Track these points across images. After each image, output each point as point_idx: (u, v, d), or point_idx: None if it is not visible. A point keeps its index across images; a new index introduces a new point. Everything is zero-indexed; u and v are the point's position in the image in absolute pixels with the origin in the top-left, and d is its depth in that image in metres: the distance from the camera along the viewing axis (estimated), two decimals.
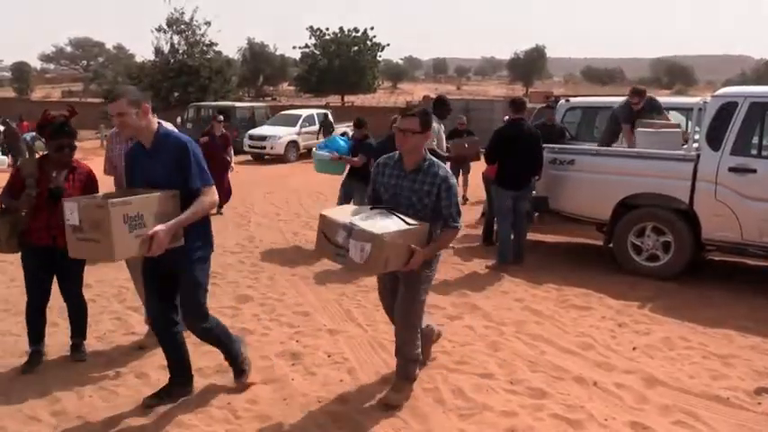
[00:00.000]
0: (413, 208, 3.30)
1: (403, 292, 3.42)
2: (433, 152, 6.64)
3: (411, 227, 3.15)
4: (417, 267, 3.25)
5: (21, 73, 59.09)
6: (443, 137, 6.89)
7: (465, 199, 10.10)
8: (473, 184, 10.18)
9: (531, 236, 7.34)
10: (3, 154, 13.87)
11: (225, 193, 9.63)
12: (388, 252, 3.05)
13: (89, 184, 3.96)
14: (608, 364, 4.00)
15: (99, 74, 43.92)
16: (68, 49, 76.99)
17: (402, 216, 3.20)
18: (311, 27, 40.04)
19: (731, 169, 5.46)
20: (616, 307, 5.11)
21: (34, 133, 18.52)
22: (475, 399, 3.51)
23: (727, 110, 5.58)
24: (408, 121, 3.27)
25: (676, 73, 67.58)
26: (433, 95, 31.67)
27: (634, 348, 4.26)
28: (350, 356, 4.14)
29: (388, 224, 3.11)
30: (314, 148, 8.37)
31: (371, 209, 3.32)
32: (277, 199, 11.23)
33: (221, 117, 10.04)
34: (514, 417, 3.32)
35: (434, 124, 6.66)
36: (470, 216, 8.85)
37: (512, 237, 6.38)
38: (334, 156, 7.29)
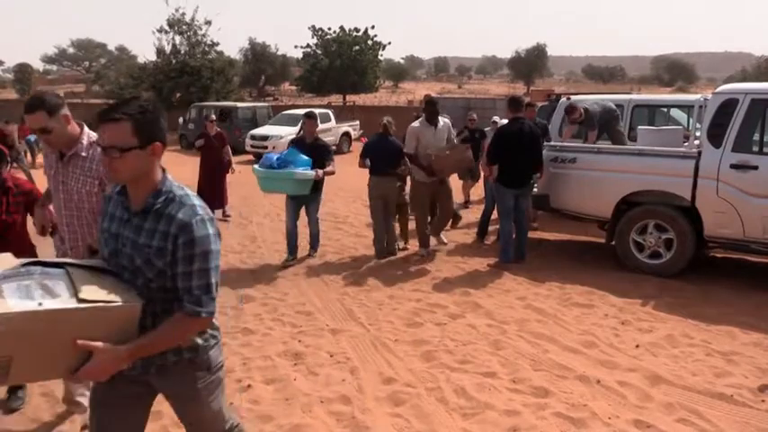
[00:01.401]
0: (141, 276, 1.90)
1: (184, 419, 2.22)
2: (410, 158, 6.41)
3: (81, 306, 1.71)
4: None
5: (23, 74, 59.10)
6: (450, 137, 6.59)
7: (467, 203, 9.98)
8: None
9: (532, 234, 7.34)
10: None
11: (221, 196, 9.23)
12: (15, 346, 1.66)
13: (30, 204, 3.52)
14: (611, 362, 3.99)
15: (101, 75, 43.95)
16: (71, 50, 77.12)
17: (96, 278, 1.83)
18: (313, 27, 39.98)
19: (733, 166, 5.44)
20: (619, 305, 5.10)
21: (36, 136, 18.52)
22: (477, 398, 3.51)
23: (728, 107, 5.56)
24: (111, 129, 1.84)
25: (677, 70, 67.41)
26: (434, 94, 31.50)
27: (637, 346, 4.25)
28: (352, 356, 4.14)
29: (31, 292, 1.70)
30: (254, 165, 6.69)
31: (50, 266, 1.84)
32: (278, 199, 11.21)
33: (213, 117, 9.93)
34: (517, 416, 3.31)
35: (446, 121, 6.58)
36: (472, 216, 8.84)
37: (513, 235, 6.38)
38: (317, 173, 6.21)
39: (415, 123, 6.47)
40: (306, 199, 6.49)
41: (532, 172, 6.34)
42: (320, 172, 6.25)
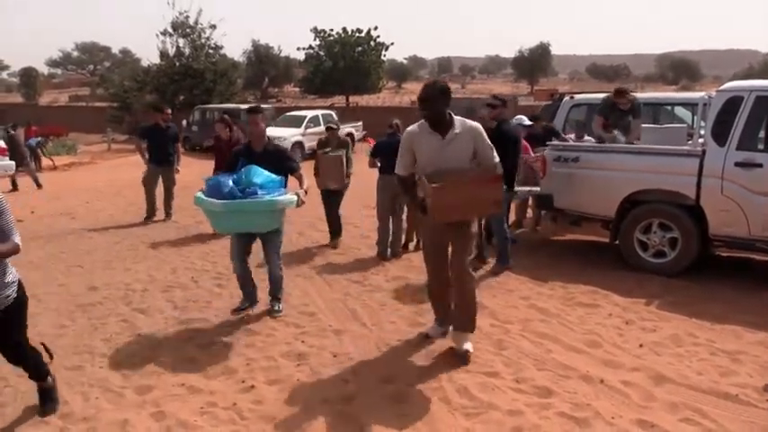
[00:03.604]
0: None
1: None
2: (401, 183, 4.12)
3: None
4: None
5: (29, 78, 59.45)
6: (485, 154, 3.98)
7: None
8: None
9: (535, 234, 7.33)
10: (11, 158, 13.95)
11: None
12: None
13: None
14: (615, 361, 3.98)
15: (106, 78, 44.12)
16: (75, 54, 77.54)
17: None
18: (315, 28, 40.09)
19: (737, 164, 5.41)
20: (623, 304, 5.08)
21: (40, 138, 18.64)
22: (481, 398, 3.50)
23: (732, 104, 5.54)
24: None
25: (682, 68, 67.14)
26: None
27: (641, 345, 4.24)
28: (355, 356, 4.13)
29: None
30: (197, 194, 4.56)
31: None
32: None
33: (225, 116, 8.45)
34: (520, 415, 3.31)
35: (473, 126, 3.94)
36: None
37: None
38: (302, 197, 4.60)
39: (413, 127, 4.00)
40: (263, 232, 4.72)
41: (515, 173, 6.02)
42: (303, 192, 4.61)
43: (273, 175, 4.57)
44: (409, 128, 4.06)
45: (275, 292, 5.07)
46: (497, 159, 4.04)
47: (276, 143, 5.18)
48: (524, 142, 7.07)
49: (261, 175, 4.50)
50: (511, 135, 5.90)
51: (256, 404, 3.51)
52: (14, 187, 13.51)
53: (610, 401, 3.46)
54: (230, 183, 4.42)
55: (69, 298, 5.55)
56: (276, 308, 5.01)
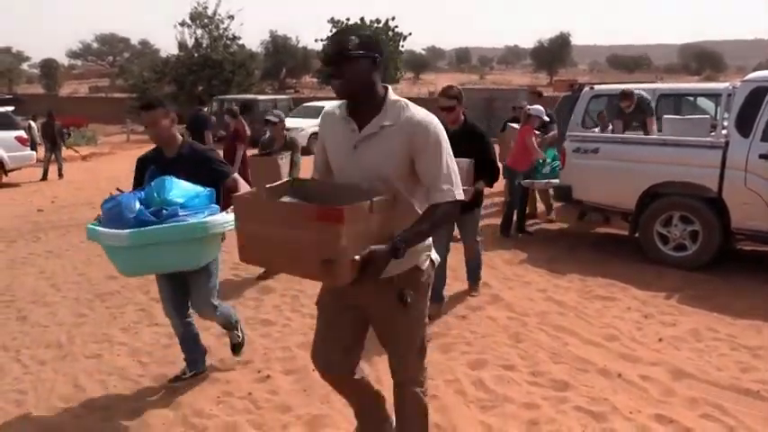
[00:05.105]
0: None
1: None
2: None
3: None
4: None
5: (49, 69, 60.21)
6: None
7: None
8: None
9: (553, 226, 7.26)
10: (32, 149, 14.19)
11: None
12: None
13: None
14: (633, 355, 3.93)
15: (125, 69, 44.57)
16: (95, 45, 78.40)
17: None
18: (332, 19, 39.99)
19: (762, 156, 5.30)
20: (642, 298, 5.01)
21: (63, 130, 18.97)
22: (496, 391, 3.48)
23: (757, 95, 5.42)
24: None
25: (705, 58, 65.96)
26: (457, 85, 31.08)
27: (660, 340, 4.18)
28: (370, 347, 4.10)
29: None
30: (89, 225, 3.26)
31: None
32: None
33: (235, 109, 8.26)
34: (537, 409, 3.28)
35: (416, 118, 2.24)
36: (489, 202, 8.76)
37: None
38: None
39: (331, 107, 2.47)
40: (190, 271, 3.41)
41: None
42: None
43: (199, 188, 3.27)
44: (326, 107, 2.53)
45: (235, 340, 3.93)
46: (456, 194, 2.19)
47: (195, 144, 3.67)
48: (528, 127, 6.98)
49: (181, 188, 3.22)
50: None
51: (272, 394, 3.53)
52: (44, 177, 13.79)
53: (628, 396, 3.41)
54: (136, 204, 3.13)
55: (88, 287, 5.62)
56: (237, 340, 3.91)
